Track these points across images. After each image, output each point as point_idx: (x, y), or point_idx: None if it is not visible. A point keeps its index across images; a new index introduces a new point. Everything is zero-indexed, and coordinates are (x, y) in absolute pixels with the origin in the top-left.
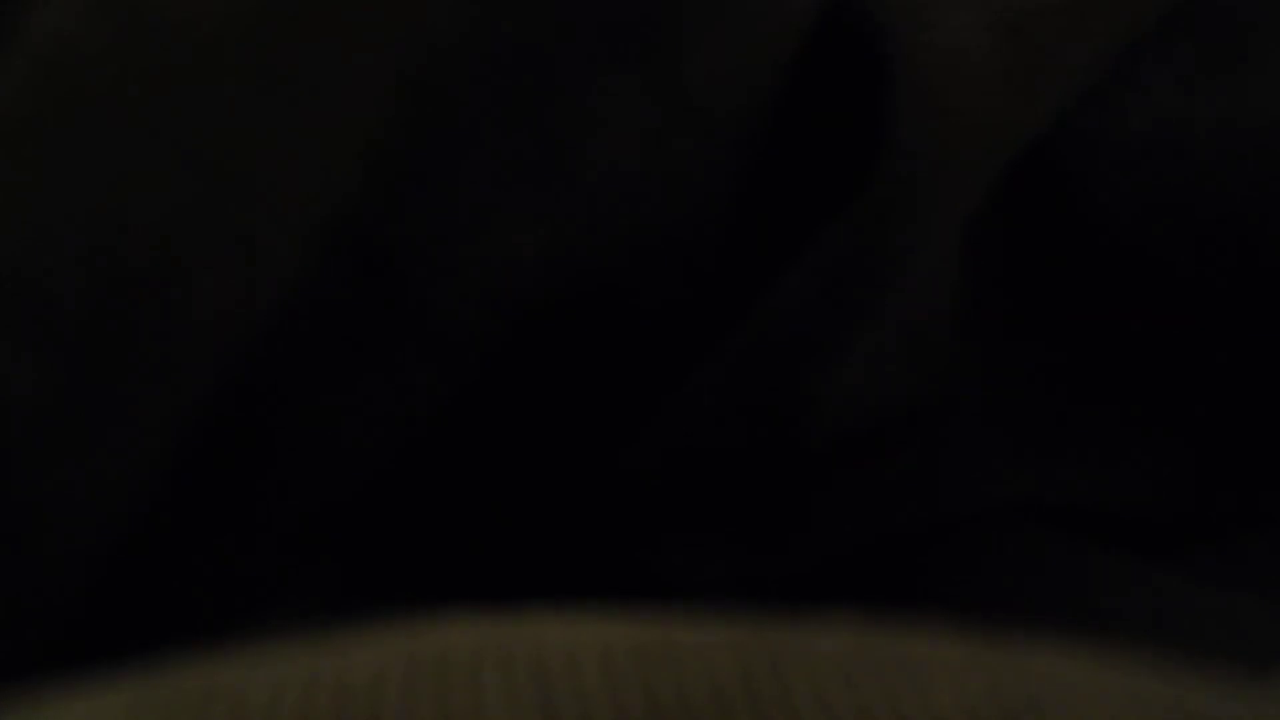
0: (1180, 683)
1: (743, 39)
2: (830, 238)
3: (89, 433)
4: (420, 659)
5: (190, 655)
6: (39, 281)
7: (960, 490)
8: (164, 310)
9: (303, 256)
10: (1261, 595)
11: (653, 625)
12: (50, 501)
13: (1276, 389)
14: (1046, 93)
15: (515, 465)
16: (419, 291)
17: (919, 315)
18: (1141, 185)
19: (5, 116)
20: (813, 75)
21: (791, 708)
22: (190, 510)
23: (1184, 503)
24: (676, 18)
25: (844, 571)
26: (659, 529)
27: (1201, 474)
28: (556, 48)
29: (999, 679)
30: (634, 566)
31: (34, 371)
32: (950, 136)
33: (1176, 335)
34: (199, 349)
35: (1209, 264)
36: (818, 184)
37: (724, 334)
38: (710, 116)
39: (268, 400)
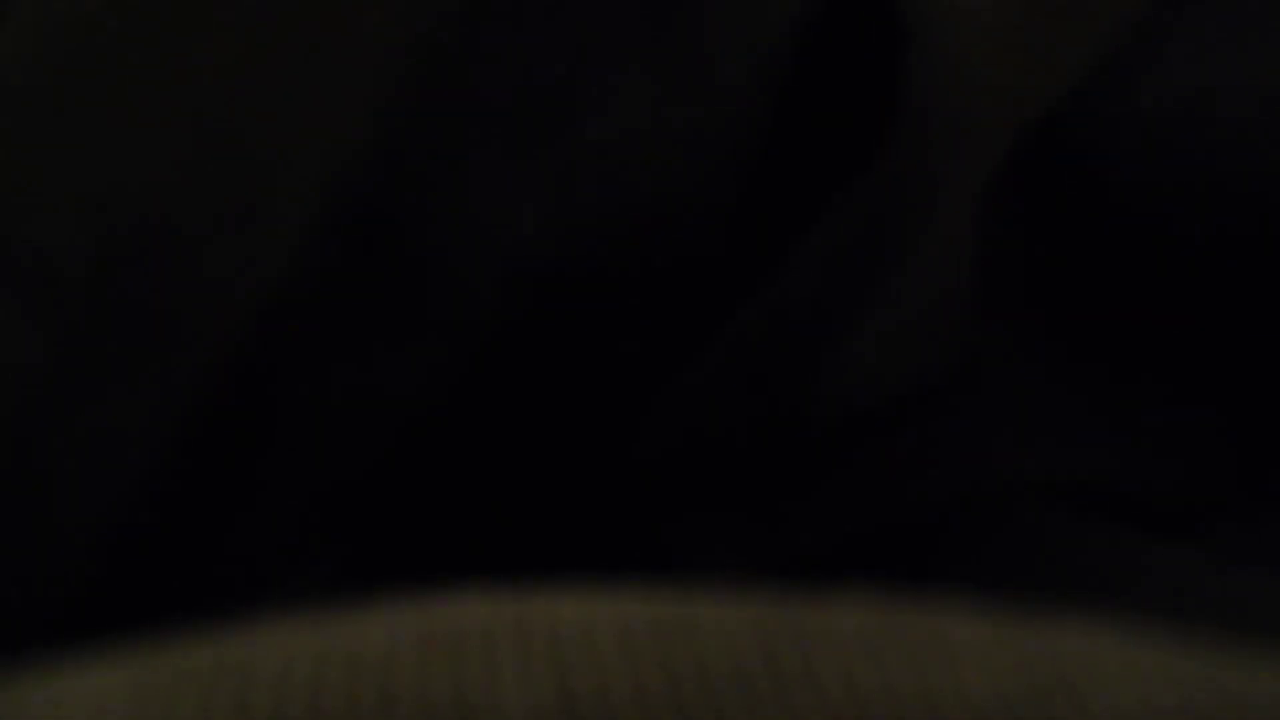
0: (1213, 659)
1: (756, 9)
2: (843, 208)
3: (94, 404)
4: (434, 634)
5: (199, 629)
6: (42, 250)
7: (973, 470)
8: (168, 280)
9: (308, 227)
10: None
11: (672, 602)
12: (55, 473)
13: None
14: (1064, 59)
15: (524, 444)
16: (426, 264)
17: (932, 291)
18: (1162, 158)
19: (6, 77)
20: (827, 41)
21: (816, 685)
22: (197, 486)
23: (1202, 482)
24: None
25: (855, 552)
26: (668, 509)
27: (1221, 452)
28: (567, 15)
29: (1028, 656)
30: (642, 547)
31: (38, 341)
32: (966, 102)
33: (1197, 312)
34: (204, 320)
35: (1231, 239)
36: (832, 153)
37: (734, 309)
38: (723, 85)
39: (274, 374)
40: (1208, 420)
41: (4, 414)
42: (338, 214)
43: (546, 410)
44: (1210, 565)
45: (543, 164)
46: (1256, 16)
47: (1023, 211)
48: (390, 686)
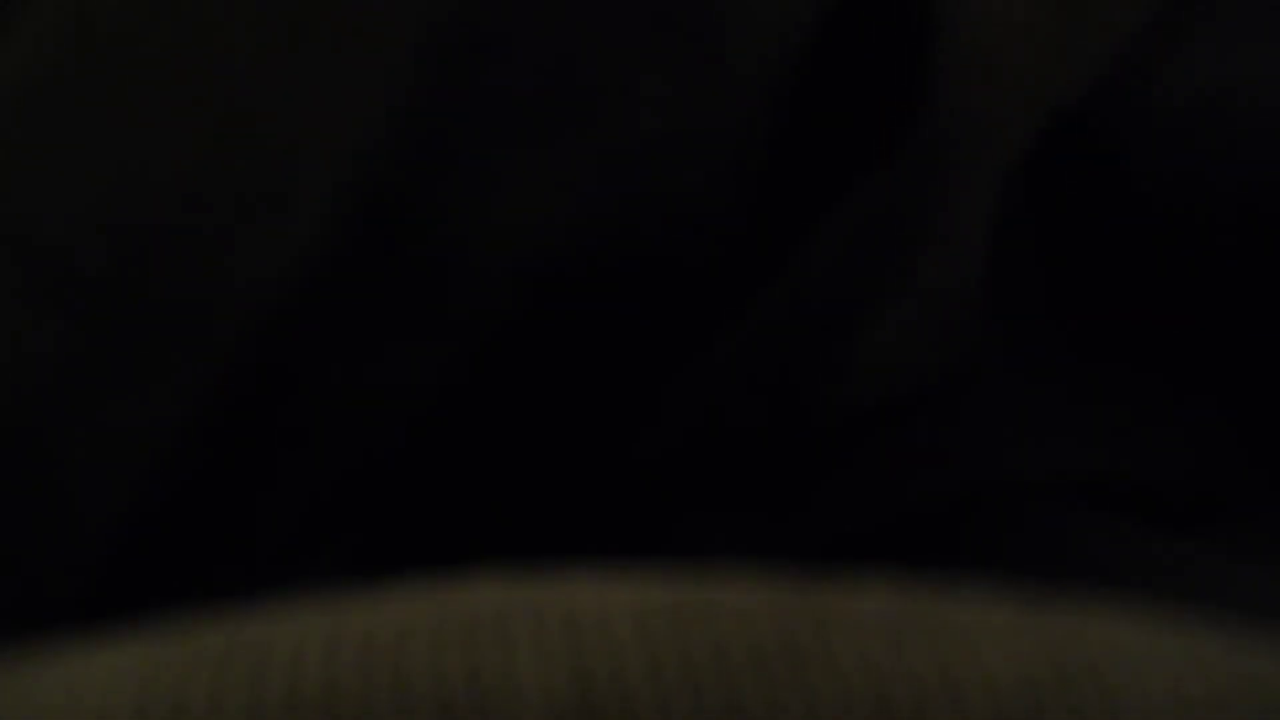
0: (1237, 647)
1: (773, 2)
2: (862, 199)
3: (111, 397)
4: (448, 615)
5: (212, 611)
6: (62, 245)
7: (983, 466)
8: (185, 275)
9: (322, 223)
10: None
11: (689, 585)
12: (70, 463)
13: None
14: (1088, 51)
15: (533, 438)
16: (439, 259)
17: (947, 285)
18: (1182, 153)
19: (23, 75)
20: (851, 34)
21: (836, 669)
22: (209, 476)
23: (1212, 477)
24: None
25: (864, 549)
26: (679, 503)
27: (1231, 447)
28: (583, 14)
29: (1053, 641)
30: (649, 543)
31: (58, 336)
32: (989, 94)
33: (1207, 307)
34: (221, 314)
35: (1251, 235)
36: (852, 146)
37: (747, 305)
38: (738, 82)
39: (289, 367)
40: (1218, 415)
41: (22, 406)
42: (352, 210)
43: (557, 404)
44: (1220, 560)
45: (558, 160)
46: (1276, 9)
47: (1040, 205)
48: (405, 667)
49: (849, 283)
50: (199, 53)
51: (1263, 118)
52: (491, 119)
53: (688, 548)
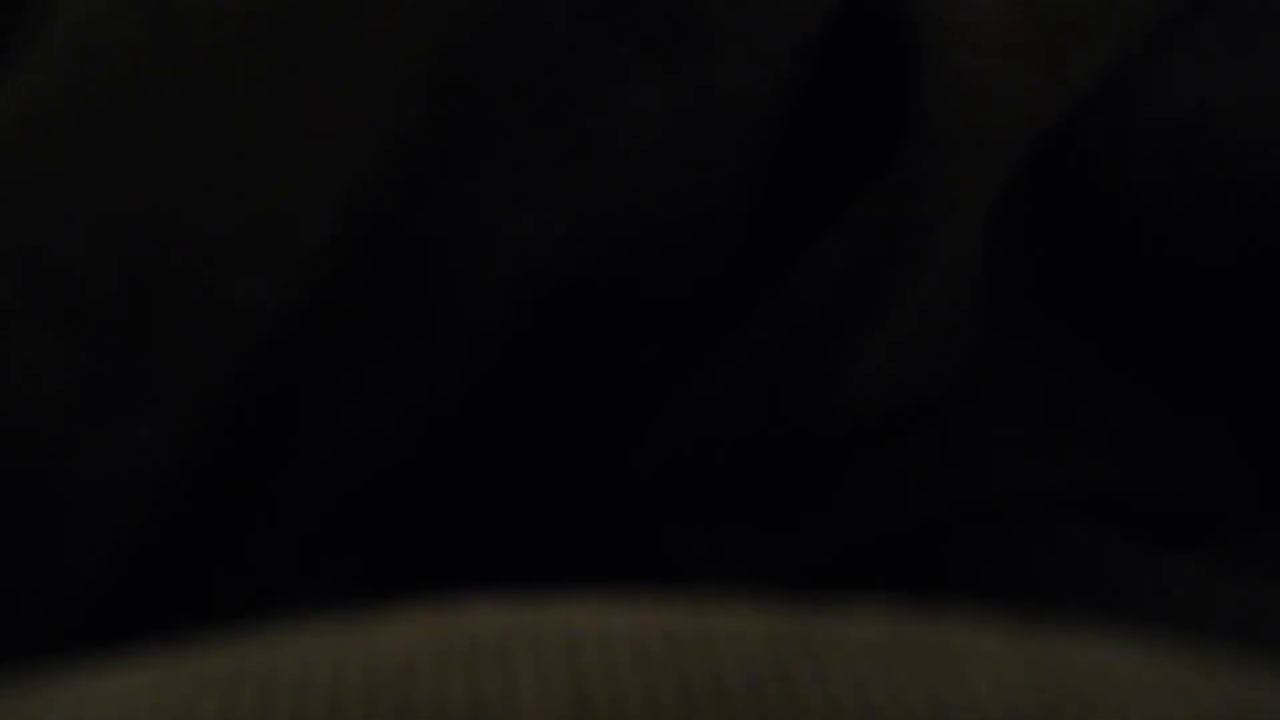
0: (1224, 672)
1: (768, 24)
2: (854, 221)
3: (115, 421)
4: (451, 642)
5: (218, 636)
6: (67, 270)
7: (980, 479)
8: (188, 299)
9: (327, 244)
10: None
11: (686, 612)
12: (75, 488)
13: None
14: (1073, 73)
15: (536, 453)
16: (441, 279)
17: (940, 301)
18: (1169, 169)
19: (32, 103)
20: (839, 57)
21: (828, 695)
22: (212, 500)
23: (1212, 491)
24: (703, 5)
25: (863, 561)
26: (677, 517)
27: (1231, 462)
28: (584, 35)
29: (1040, 669)
30: (652, 556)
31: (62, 360)
32: (976, 117)
33: (1205, 321)
34: (224, 338)
35: (1238, 249)
36: (843, 167)
37: (746, 319)
38: (736, 103)
39: (291, 388)
40: (1217, 430)
41: (28, 428)
42: (355, 232)
43: (558, 419)
44: (1219, 576)
45: (557, 176)
46: (1257, 28)
47: (1032, 222)
48: (408, 695)
49: (843, 301)
50: (205, 81)
51: (1248, 134)
52: (492, 138)
53: (685, 563)
